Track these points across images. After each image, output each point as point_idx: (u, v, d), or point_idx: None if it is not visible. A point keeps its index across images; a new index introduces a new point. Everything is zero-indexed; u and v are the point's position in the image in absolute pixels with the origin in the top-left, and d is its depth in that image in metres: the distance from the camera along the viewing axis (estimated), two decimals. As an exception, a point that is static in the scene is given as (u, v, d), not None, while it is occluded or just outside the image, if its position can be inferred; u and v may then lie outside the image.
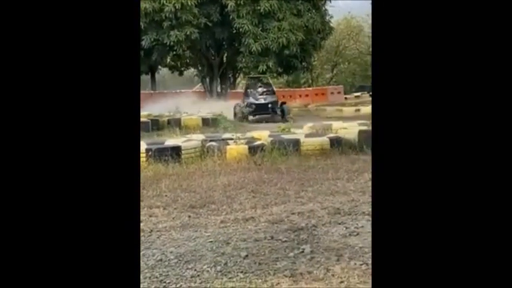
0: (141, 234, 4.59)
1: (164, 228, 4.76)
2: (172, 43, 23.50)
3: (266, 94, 20.98)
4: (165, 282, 3.45)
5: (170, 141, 9.28)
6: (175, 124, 15.49)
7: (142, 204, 5.74)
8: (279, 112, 19.94)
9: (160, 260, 3.88)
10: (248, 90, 21.78)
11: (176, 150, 8.40)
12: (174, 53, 25.04)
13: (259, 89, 21.41)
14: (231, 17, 23.95)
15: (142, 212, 5.39)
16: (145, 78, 27.04)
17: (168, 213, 5.35)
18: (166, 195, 6.13)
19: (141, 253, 4.05)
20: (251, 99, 20.69)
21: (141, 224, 4.92)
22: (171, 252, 4.06)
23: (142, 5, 22.63)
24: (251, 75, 24.08)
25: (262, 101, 20.50)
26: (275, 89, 22.92)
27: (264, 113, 20.11)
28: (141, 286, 3.40)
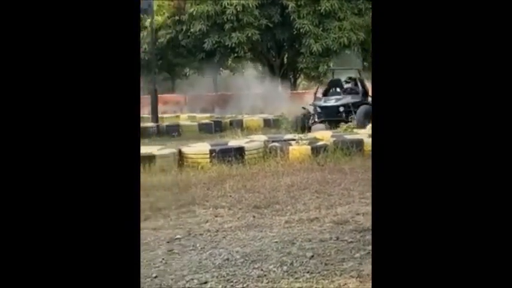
0: (208, 234, 4.67)
1: (230, 228, 4.81)
2: (233, 45, 23.70)
3: (345, 93, 15.08)
4: (232, 281, 3.49)
5: (233, 142, 9.36)
6: (237, 125, 15.63)
7: (207, 204, 5.83)
8: (355, 117, 13.95)
9: (227, 259, 3.93)
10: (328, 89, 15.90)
11: (239, 151, 8.48)
12: (236, 54, 25.25)
13: (337, 89, 15.53)
14: (291, 17, 23.92)
15: (207, 212, 5.48)
16: (207, 80, 27.37)
17: (233, 213, 5.41)
18: (230, 196, 6.19)
19: (208, 252, 4.11)
20: (317, 101, 15.10)
21: (207, 224, 5.00)
22: (237, 251, 4.10)
23: (205, 8, 22.94)
24: (332, 67, 18.96)
25: (332, 103, 14.67)
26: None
27: (329, 119, 14.37)
28: (209, 285, 3.46)
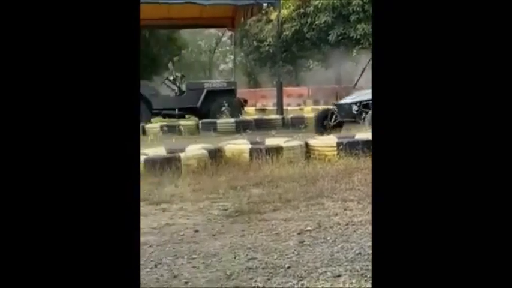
0: (338, 227, 4.65)
1: (360, 222, 4.75)
2: (358, 36, 23.41)
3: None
4: (365, 276, 3.45)
5: (360, 135, 9.24)
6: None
7: (335, 197, 5.80)
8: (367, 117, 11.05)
9: (359, 253, 3.88)
10: None
11: (367, 145, 8.33)
12: (360, 46, 24.91)
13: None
14: (419, 7, 23.20)
15: (336, 205, 5.45)
16: (330, 72, 27.22)
17: (362, 207, 5.33)
18: (359, 189, 6.11)
19: (339, 246, 4.09)
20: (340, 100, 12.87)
21: (337, 217, 4.97)
22: (368, 246, 4.03)
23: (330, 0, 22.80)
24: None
25: (348, 101, 12.15)
26: None
27: (344, 120, 11.85)
28: (342, 278, 3.44)
